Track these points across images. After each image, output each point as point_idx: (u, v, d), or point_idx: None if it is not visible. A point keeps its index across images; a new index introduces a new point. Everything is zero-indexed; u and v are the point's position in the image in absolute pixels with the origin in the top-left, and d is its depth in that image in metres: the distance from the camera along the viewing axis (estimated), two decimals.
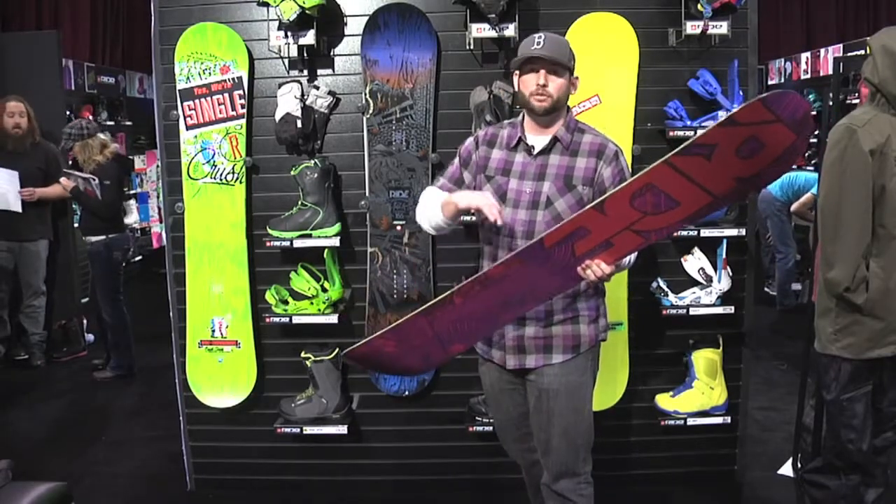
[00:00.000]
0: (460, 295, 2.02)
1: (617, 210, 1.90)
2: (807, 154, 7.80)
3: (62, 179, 4.37)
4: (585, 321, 2.18)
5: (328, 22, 2.87)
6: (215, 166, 2.93)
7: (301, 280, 2.91)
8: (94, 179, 4.32)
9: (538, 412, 2.19)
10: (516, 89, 2.19)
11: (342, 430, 2.96)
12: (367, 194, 2.93)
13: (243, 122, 2.91)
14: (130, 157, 7.21)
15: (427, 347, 2.11)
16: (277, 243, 2.85)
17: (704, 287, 2.89)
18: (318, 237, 2.85)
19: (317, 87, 2.89)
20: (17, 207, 4.51)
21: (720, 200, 1.91)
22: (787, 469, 3.21)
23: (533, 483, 2.41)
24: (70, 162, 4.87)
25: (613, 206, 1.90)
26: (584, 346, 2.18)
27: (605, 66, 2.76)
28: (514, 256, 1.97)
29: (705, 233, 2.81)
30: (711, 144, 1.81)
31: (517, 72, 2.16)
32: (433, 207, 2.21)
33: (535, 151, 2.16)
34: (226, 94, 2.89)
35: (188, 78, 2.89)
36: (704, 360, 2.90)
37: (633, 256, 2.11)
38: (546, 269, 1.98)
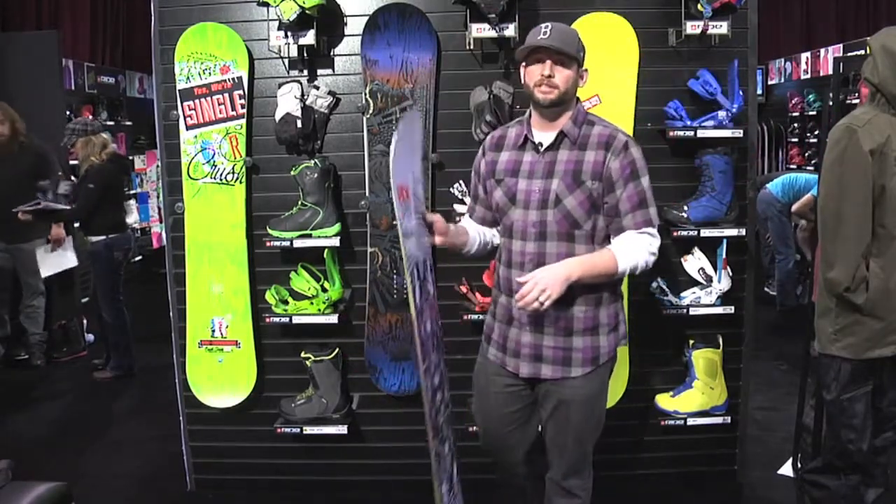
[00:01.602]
0: None
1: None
2: (807, 154, 7.82)
3: (20, 216, 4.32)
4: (605, 331, 2.12)
5: (328, 22, 2.87)
6: (215, 166, 2.93)
7: (301, 280, 2.91)
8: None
9: (555, 420, 2.16)
10: (522, 81, 2.12)
11: (342, 430, 2.96)
12: (367, 194, 2.93)
13: (243, 122, 2.91)
14: (130, 157, 7.22)
15: None
16: (277, 243, 2.85)
17: (704, 287, 2.88)
18: (318, 237, 2.85)
19: (317, 87, 2.89)
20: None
21: None
22: (787, 469, 3.21)
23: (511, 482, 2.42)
24: (69, 158, 4.88)
25: None
26: (604, 358, 2.13)
27: (605, 66, 2.76)
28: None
29: (705, 233, 2.80)
30: None
31: (523, 63, 2.09)
32: None
33: (543, 148, 2.10)
34: (226, 94, 2.89)
35: (188, 78, 2.89)
36: (704, 359, 2.90)
37: (628, 262, 2.04)
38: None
